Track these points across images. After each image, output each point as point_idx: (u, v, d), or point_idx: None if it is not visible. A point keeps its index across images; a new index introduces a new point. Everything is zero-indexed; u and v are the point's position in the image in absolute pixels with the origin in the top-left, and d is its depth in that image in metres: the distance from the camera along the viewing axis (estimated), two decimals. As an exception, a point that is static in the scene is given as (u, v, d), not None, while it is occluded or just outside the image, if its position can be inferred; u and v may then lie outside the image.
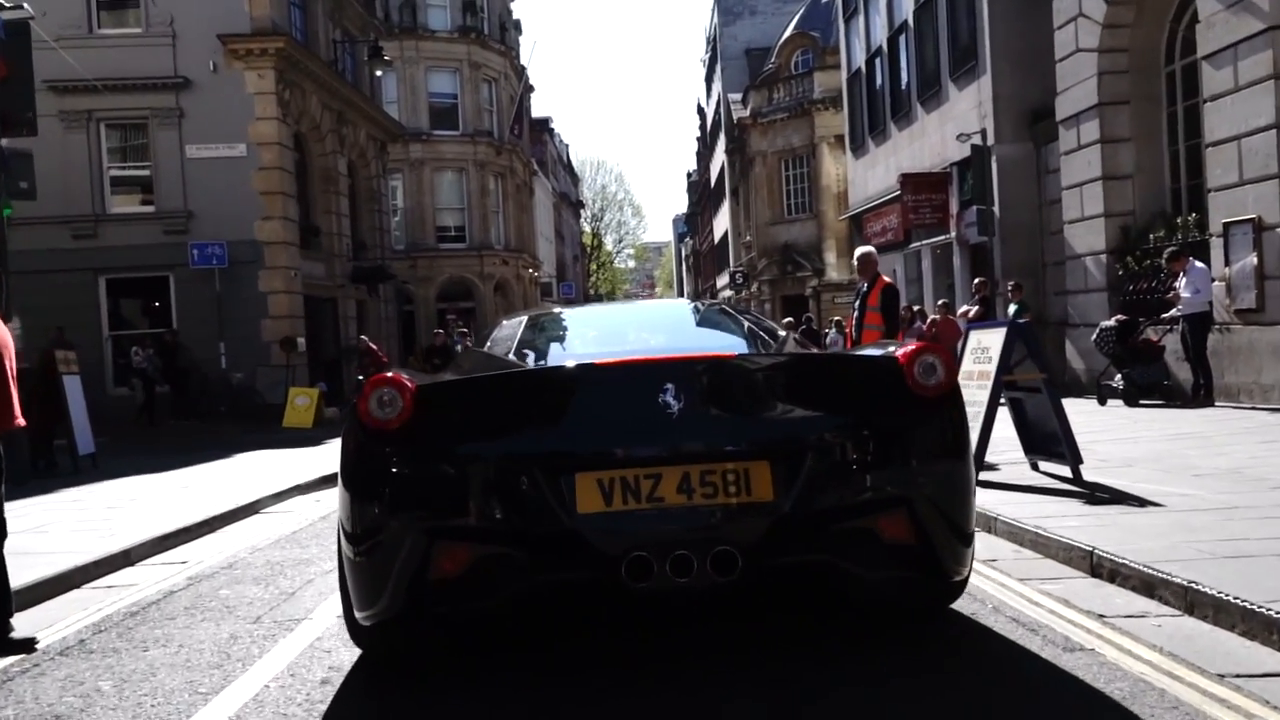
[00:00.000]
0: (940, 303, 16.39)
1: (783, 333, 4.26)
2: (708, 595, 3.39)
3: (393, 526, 2.95)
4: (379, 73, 23.88)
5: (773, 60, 39.93)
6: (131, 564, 5.72)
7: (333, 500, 3.95)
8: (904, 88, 22.00)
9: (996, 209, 17.27)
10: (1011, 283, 15.73)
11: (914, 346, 3.23)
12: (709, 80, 58.56)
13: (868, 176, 25.50)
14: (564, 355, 3.94)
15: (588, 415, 3.03)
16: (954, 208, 19.54)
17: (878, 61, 23.79)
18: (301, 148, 22.12)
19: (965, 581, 3.44)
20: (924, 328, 15.70)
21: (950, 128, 19.15)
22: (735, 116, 40.64)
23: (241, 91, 19.16)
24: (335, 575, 3.74)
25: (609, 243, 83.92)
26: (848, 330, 22.01)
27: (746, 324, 4.33)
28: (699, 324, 4.61)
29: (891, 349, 3.31)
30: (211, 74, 19.07)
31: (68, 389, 10.35)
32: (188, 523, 6.69)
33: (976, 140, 17.22)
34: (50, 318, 18.58)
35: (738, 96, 42.07)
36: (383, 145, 27.38)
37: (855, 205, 26.58)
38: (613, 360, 3.23)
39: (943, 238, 20.18)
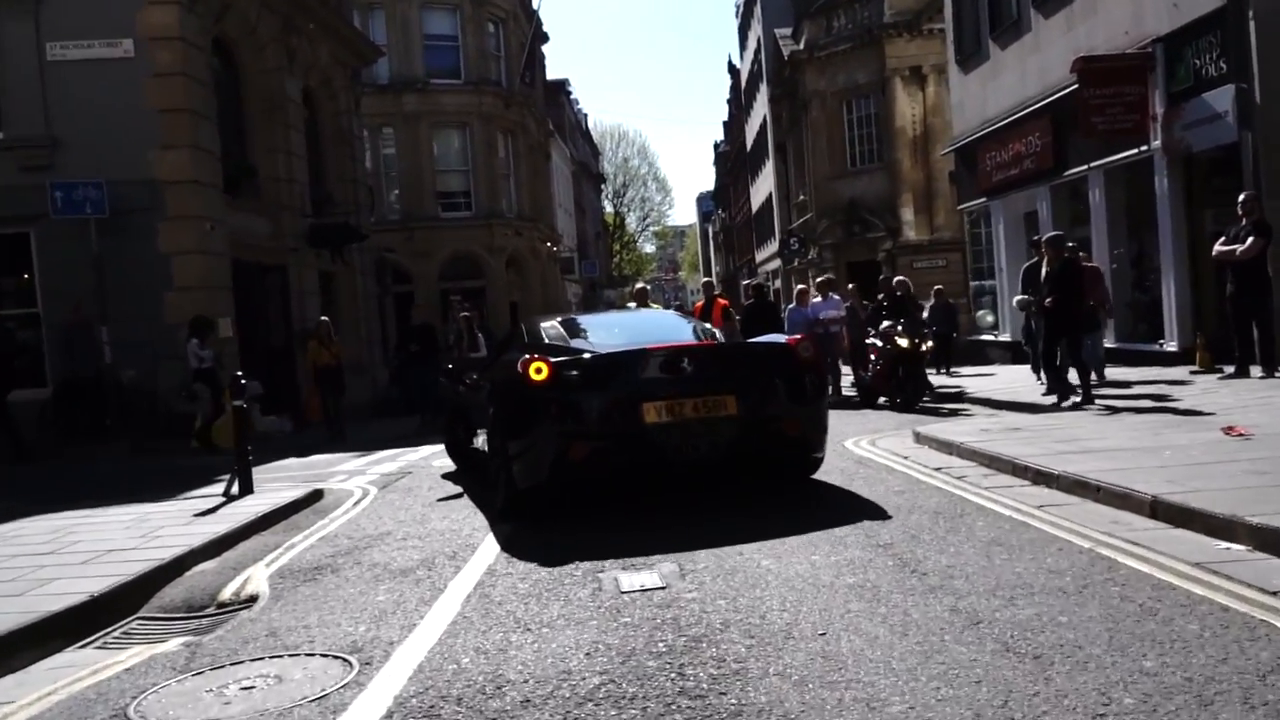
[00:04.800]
0: None
1: (718, 332, 8.02)
2: (711, 462, 5.86)
3: (547, 433, 5.55)
4: (336, -38, 17.89)
5: (829, -16, 33.52)
6: None
7: None
8: (1057, -47, 15.75)
9: (1258, 93, 11.13)
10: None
11: (798, 336, 6.95)
12: (744, 29, 52.20)
13: (986, 93, 19.24)
14: (626, 343, 6.26)
15: (648, 373, 5.73)
16: (1157, 105, 13.28)
17: (1008, -71, 17.51)
18: (228, 58, 16.24)
19: (823, 458, 6.46)
20: None
21: (1151, -14, 12.97)
22: (786, 52, 34.33)
23: (123, -36, 13.29)
24: None
25: (632, 221, 77.95)
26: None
27: (699, 325, 7.61)
28: (683, 325, 7.48)
29: (783, 339, 6.80)
30: (77, -63, 13.20)
31: None
32: None
33: (1233, -19, 10.99)
34: None
35: (787, 32, 35.79)
36: (355, 73, 21.45)
37: (965, 133, 20.33)
38: (657, 346, 5.98)
39: (1131, 152, 13.94)
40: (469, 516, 6.21)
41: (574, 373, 5.63)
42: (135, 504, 7.34)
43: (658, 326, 7.22)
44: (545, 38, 41.23)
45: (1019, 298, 13.05)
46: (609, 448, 5.56)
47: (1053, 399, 9.98)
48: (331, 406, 13.73)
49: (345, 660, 3.37)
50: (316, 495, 7.51)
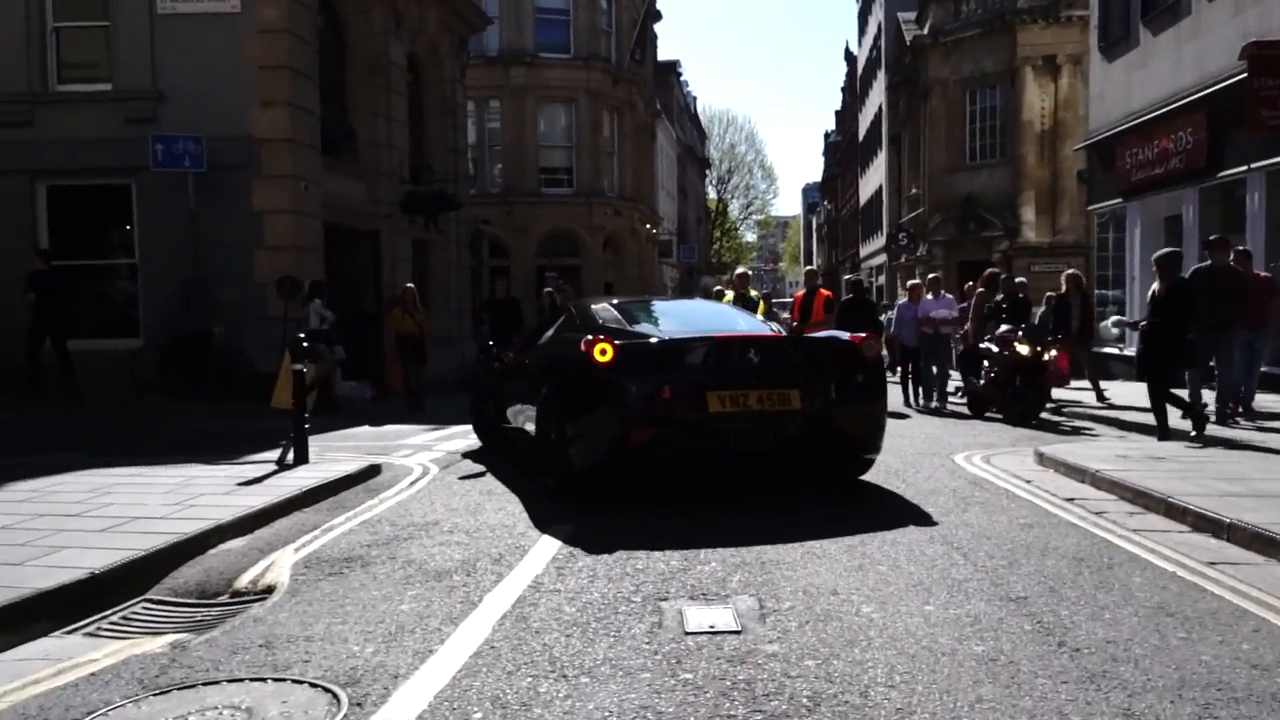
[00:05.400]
0: None
1: (773, 325, 7.70)
2: (770, 455, 5.89)
3: (608, 415, 5.51)
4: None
5: (960, -33, 31.73)
6: None
7: None
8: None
9: None
10: None
11: (863, 334, 6.28)
12: (864, 14, 50.38)
13: (1131, 83, 17.61)
14: (683, 331, 6.28)
15: (713, 362, 5.71)
16: (1340, 99, 11.70)
17: (1169, -98, 15.87)
18: (334, 18, 16.04)
19: (874, 460, 6.41)
20: None
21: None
22: (909, 37, 32.71)
23: (234, -84, 13.12)
24: None
25: (735, 208, 76.41)
26: None
27: (753, 317, 7.78)
28: (736, 316, 7.38)
29: (846, 335, 6.39)
30: (191, -112, 13.07)
31: None
32: None
33: None
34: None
35: (910, 16, 34.09)
36: (462, 41, 21.12)
37: (1103, 126, 18.70)
38: (724, 335, 6.13)
39: (1304, 153, 12.36)
40: (523, 512, 5.57)
41: (640, 356, 5.61)
42: (188, 465, 6.99)
43: (712, 316, 7.25)
44: (658, 15, 40.50)
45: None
46: (670, 434, 5.50)
47: (1188, 425, 8.73)
48: (412, 376, 13.37)
49: (334, 695, 2.74)
50: (372, 470, 7.02)
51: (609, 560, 4.28)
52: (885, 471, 6.93)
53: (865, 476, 6.68)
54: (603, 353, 5.41)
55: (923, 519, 5.14)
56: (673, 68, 55.33)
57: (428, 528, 5.12)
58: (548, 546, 4.62)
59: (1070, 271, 13.42)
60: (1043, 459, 7.14)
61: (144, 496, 5.53)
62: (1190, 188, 15.43)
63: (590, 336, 5.61)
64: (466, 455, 8.16)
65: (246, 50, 13.30)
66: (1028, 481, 6.40)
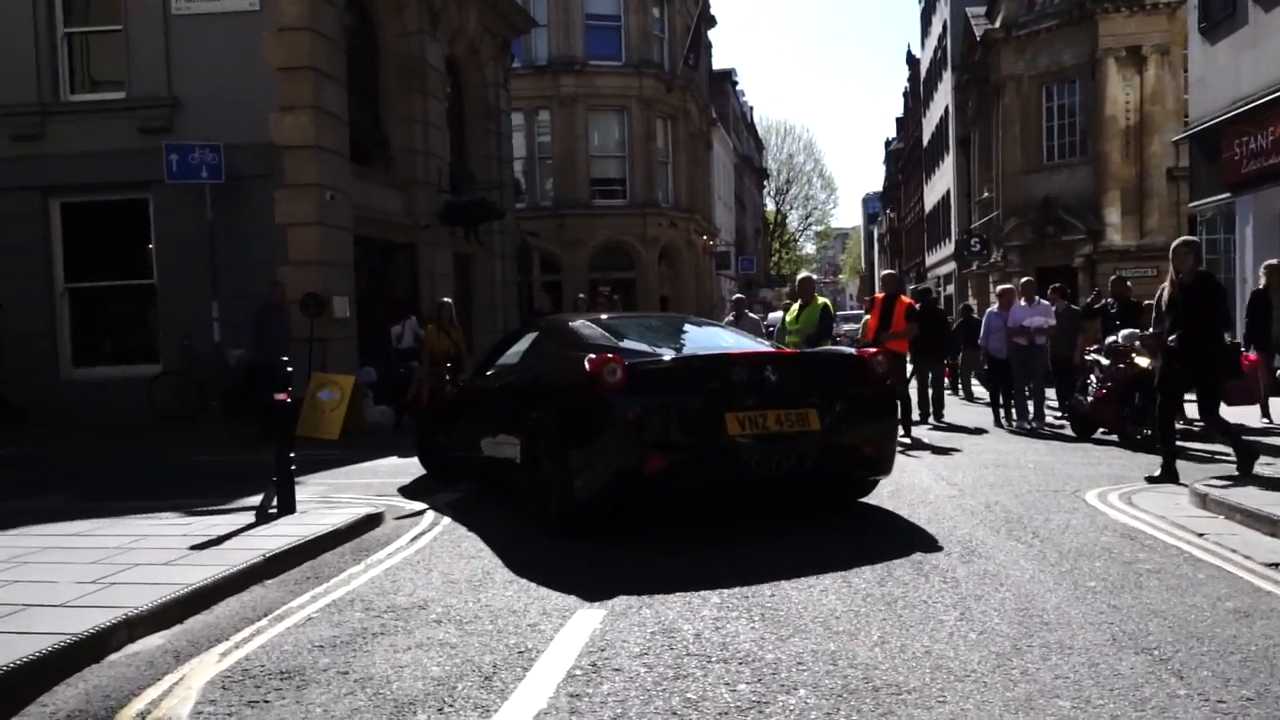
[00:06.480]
0: None
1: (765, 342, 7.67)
2: (791, 477, 5.37)
3: (620, 441, 5.01)
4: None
5: (1031, -44, 29.89)
6: None
7: None
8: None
9: None
10: None
11: (872, 351, 6.38)
12: (927, 13, 48.55)
13: (1239, 65, 15.79)
14: (699, 349, 6.13)
15: (729, 381, 5.28)
16: None
17: None
18: (365, 17, 15.09)
19: (879, 482, 6.22)
20: None
21: None
22: (979, 32, 30.92)
23: (252, -91, 12.23)
24: None
25: (794, 220, 74.61)
26: None
27: (740, 333, 7.60)
28: (721, 333, 7.23)
29: (856, 351, 6.56)
30: (207, -120, 12.23)
31: None
32: None
33: None
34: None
35: (979, 11, 32.31)
36: (505, 44, 20.11)
37: (1207, 114, 16.85)
38: (739, 352, 5.85)
39: None
40: (541, 586, 4.24)
41: (652, 376, 5.20)
42: (154, 515, 5.83)
43: (700, 333, 7.03)
44: (712, 21, 39.29)
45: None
46: (688, 460, 5.10)
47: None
48: (446, 400, 12.19)
49: None
50: (370, 522, 5.77)
51: (647, 679, 2.95)
52: (1005, 518, 5.48)
53: (977, 526, 5.27)
54: (612, 373, 4.98)
55: (1087, 602, 3.70)
56: (728, 76, 54.06)
57: (410, 614, 3.83)
58: (563, 650, 3.30)
59: (1272, 261, 10.62)
60: (1206, 502, 5.62)
61: (62, 569, 4.35)
62: (1319, 177, 13.65)
63: (594, 355, 5.14)
64: (402, 490, 7.36)
65: (266, 51, 12.37)
66: (1200, 535, 4.90)
